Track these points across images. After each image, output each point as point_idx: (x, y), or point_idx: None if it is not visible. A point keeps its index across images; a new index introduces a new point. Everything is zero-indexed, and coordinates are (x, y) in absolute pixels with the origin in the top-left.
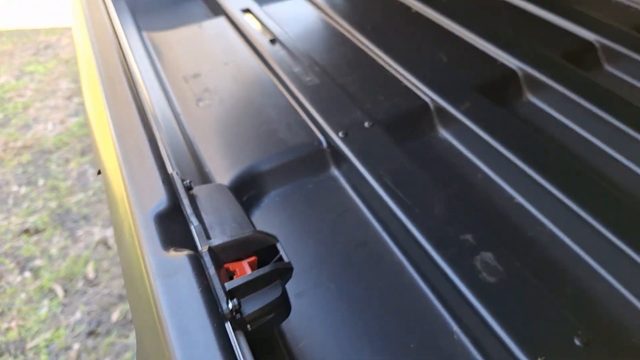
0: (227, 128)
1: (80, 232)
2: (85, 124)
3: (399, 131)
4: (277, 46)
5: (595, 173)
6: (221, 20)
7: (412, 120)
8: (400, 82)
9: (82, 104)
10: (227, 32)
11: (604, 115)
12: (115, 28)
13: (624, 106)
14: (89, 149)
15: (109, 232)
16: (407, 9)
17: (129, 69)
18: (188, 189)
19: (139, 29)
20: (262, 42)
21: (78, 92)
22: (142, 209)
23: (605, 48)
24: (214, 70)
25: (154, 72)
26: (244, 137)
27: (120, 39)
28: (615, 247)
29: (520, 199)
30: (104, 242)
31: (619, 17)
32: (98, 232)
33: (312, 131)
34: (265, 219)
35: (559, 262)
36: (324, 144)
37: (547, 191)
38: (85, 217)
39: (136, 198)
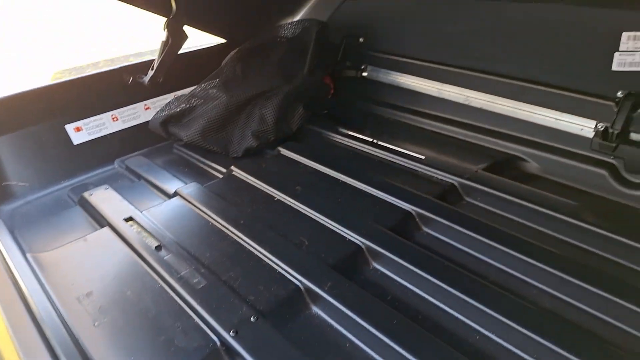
0: (126, 345)
1: None
2: None
3: (280, 316)
4: (163, 251)
5: (430, 324)
6: (106, 232)
7: (289, 303)
8: (275, 269)
9: None
10: (113, 244)
11: (424, 274)
12: (4, 256)
13: (437, 264)
14: None
15: None
16: (271, 197)
17: (27, 303)
18: None
19: (23, 252)
20: (148, 250)
21: None
22: None
23: (420, 215)
24: (105, 286)
25: (47, 298)
26: (144, 351)
27: (10, 267)
28: None
29: (377, 357)
30: None
31: (426, 187)
32: None
33: (206, 333)
34: None
35: None
36: (218, 343)
37: (392, 348)
38: None
39: None
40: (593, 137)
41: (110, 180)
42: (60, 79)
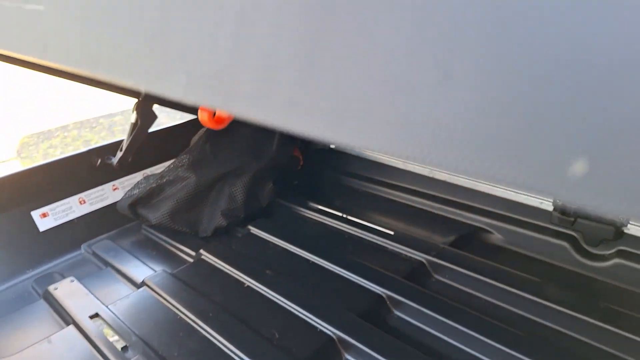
0: None
1: None
2: None
3: None
4: (130, 352)
5: None
6: (71, 331)
7: None
8: None
9: None
10: (78, 345)
11: None
12: None
13: (408, 354)
14: None
15: None
16: (241, 284)
17: None
18: None
19: None
20: (113, 351)
21: None
22: None
23: (390, 298)
24: None
25: None
26: None
27: None
28: None
29: None
30: None
31: (396, 266)
32: None
33: None
34: None
35: None
36: None
37: None
38: None
39: None
40: (553, 210)
41: (77, 268)
42: (28, 143)
